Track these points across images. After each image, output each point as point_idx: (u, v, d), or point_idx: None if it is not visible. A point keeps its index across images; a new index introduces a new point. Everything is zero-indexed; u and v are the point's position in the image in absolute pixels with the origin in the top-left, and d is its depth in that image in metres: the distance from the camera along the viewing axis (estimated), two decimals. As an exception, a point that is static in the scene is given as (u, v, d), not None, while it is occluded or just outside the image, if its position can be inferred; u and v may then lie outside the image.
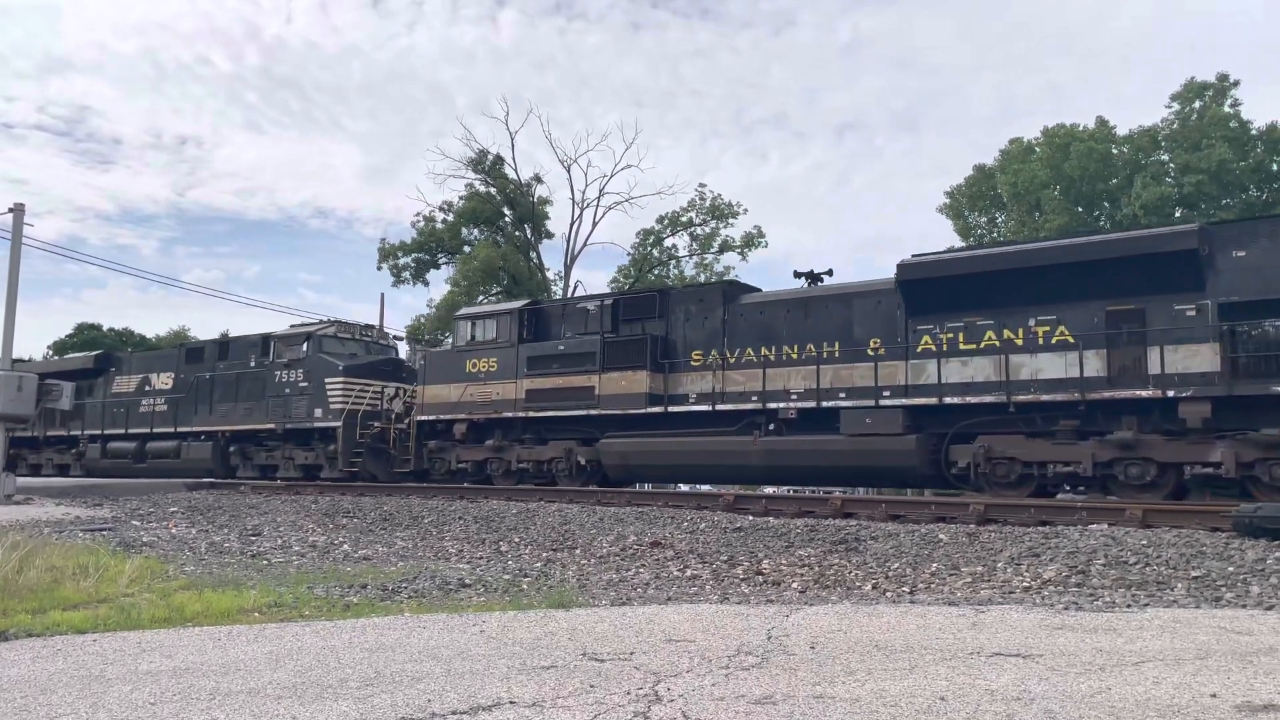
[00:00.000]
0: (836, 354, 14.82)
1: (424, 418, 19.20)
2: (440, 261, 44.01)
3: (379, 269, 44.01)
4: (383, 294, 79.33)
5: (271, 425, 21.90)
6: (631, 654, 5.00)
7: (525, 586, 8.21)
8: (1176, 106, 35.62)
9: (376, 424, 20.59)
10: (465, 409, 18.50)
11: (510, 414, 17.88)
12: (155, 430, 24.72)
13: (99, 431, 26.22)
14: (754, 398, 15.32)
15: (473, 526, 12.82)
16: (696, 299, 16.80)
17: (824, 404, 14.61)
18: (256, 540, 11.86)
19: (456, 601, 7.38)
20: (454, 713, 3.82)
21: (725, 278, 40.70)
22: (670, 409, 16.07)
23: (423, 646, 5.30)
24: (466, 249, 42.43)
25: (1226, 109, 34.53)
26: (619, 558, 10.13)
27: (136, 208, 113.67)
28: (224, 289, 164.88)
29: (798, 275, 16.93)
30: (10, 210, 21.58)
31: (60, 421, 27.38)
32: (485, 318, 19.14)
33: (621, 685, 4.26)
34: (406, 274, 43.71)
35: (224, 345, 24.46)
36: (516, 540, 11.56)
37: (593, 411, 16.79)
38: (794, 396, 14.96)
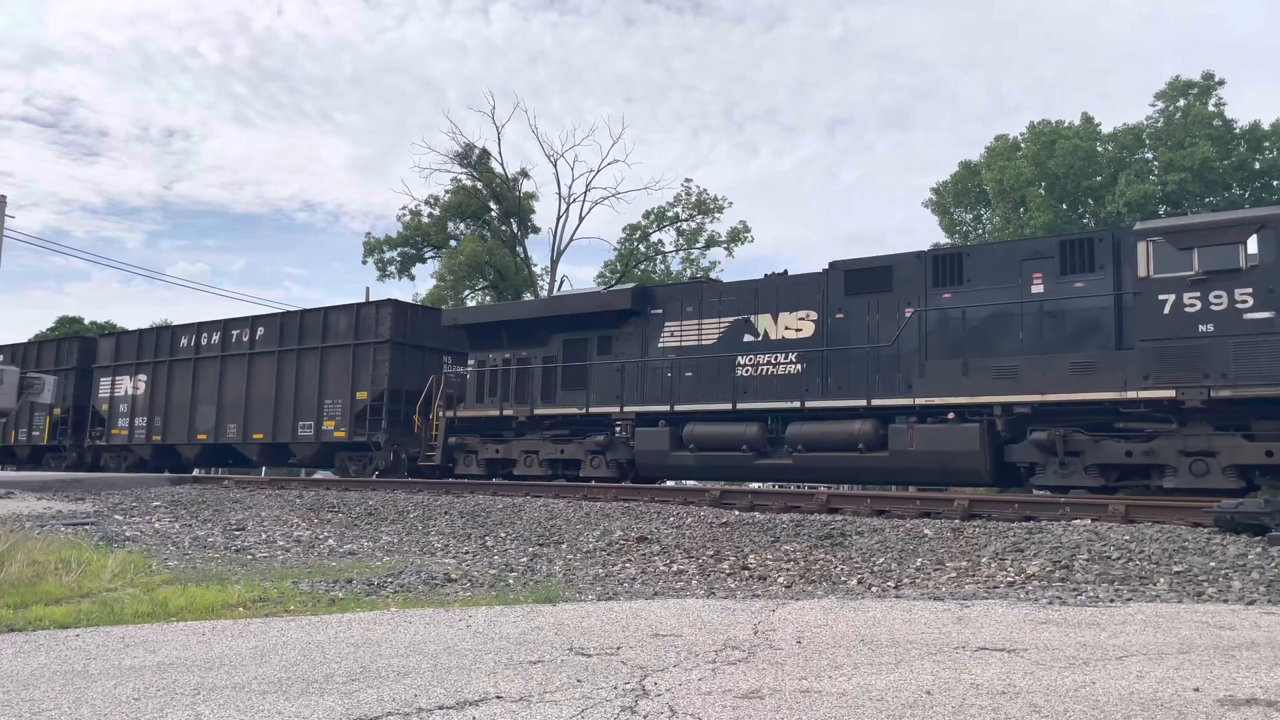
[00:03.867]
0: None
1: None
2: (426, 256, 43.87)
3: (364, 263, 43.84)
4: (368, 288, 78.78)
5: (1168, 392, 12.04)
6: (618, 649, 5.00)
7: (512, 581, 8.20)
8: (1161, 105, 35.84)
9: None
10: None
11: None
12: (806, 405, 14.86)
13: (663, 408, 16.29)
14: None
15: (458, 521, 12.78)
16: None
17: None
18: (240, 535, 11.79)
19: (442, 596, 7.37)
20: (440, 708, 3.81)
21: (710, 273, 40.82)
22: None
23: (409, 642, 5.28)
24: (452, 243, 42.28)
25: (1210, 108, 34.75)
26: (605, 553, 10.13)
27: (122, 200, 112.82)
28: (209, 282, 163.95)
29: None
30: (-9, 202, 21.40)
31: (545, 393, 18.03)
32: None
33: (609, 680, 4.26)
34: (392, 268, 43.54)
35: (947, 259, 14.54)
36: (503, 535, 11.54)
37: None
38: None
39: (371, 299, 24.09)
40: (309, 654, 4.94)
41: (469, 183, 42.56)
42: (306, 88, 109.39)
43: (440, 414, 19.09)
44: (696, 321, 16.57)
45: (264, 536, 11.65)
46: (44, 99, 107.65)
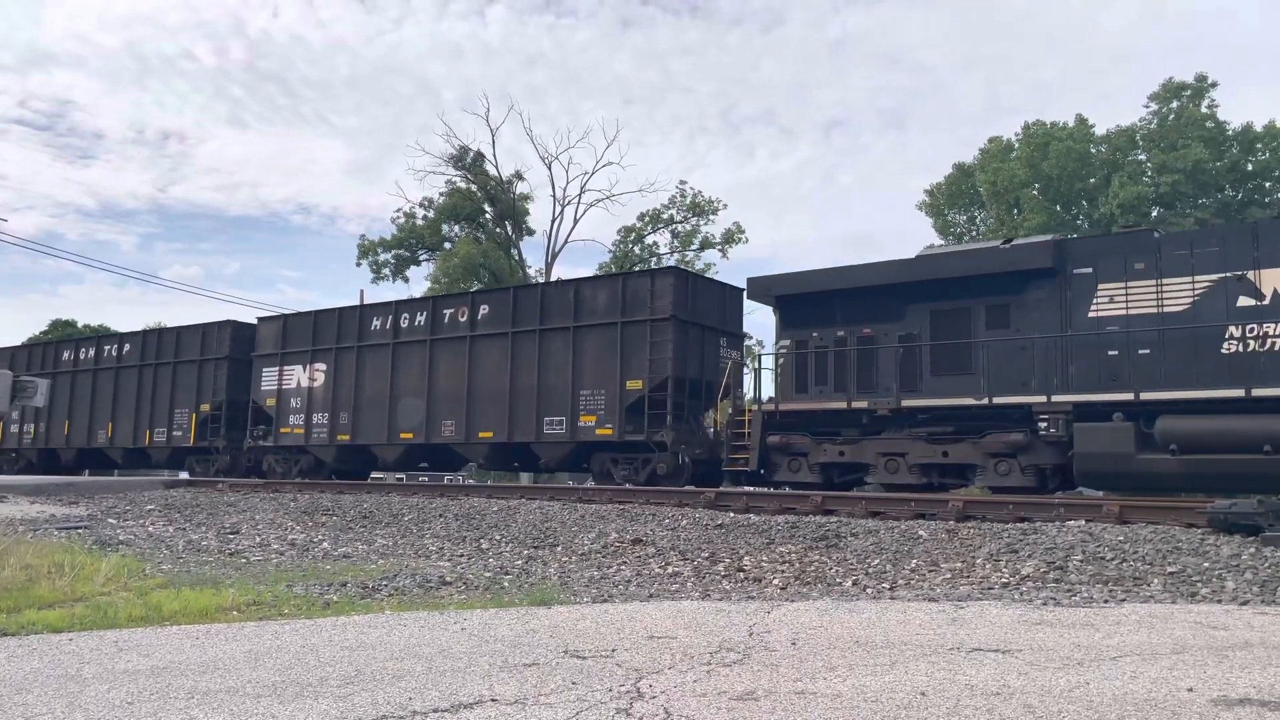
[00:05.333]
0: None
1: None
2: (420, 258, 43.89)
3: (358, 265, 43.85)
4: (362, 290, 78.75)
5: None
6: (613, 651, 4.99)
7: (506, 584, 8.19)
8: (1154, 106, 35.96)
9: None
10: None
11: None
12: None
13: (1122, 396, 12.49)
14: None
15: (453, 524, 12.77)
16: None
17: None
18: (235, 538, 11.77)
19: (437, 599, 7.36)
20: (435, 711, 3.80)
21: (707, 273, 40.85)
22: None
23: (403, 644, 5.27)
24: (447, 246, 42.28)
25: (1203, 109, 34.89)
26: (600, 555, 10.12)
27: (117, 203, 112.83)
28: (203, 285, 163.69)
29: None
30: (-16, 205, 21.21)
31: (905, 379, 14.32)
32: None
33: (604, 682, 4.26)
34: (386, 270, 43.53)
35: None
36: (497, 538, 11.53)
37: None
38: None
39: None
40: (303, 657, 4.93)
41: (464, 185, 42.59)
42: (303, 90, 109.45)
43: (756, 407, 15.47)
44: (1153, 281, 12.77)
45: (258, 540, 11.63)
46: (39, 101, 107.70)
